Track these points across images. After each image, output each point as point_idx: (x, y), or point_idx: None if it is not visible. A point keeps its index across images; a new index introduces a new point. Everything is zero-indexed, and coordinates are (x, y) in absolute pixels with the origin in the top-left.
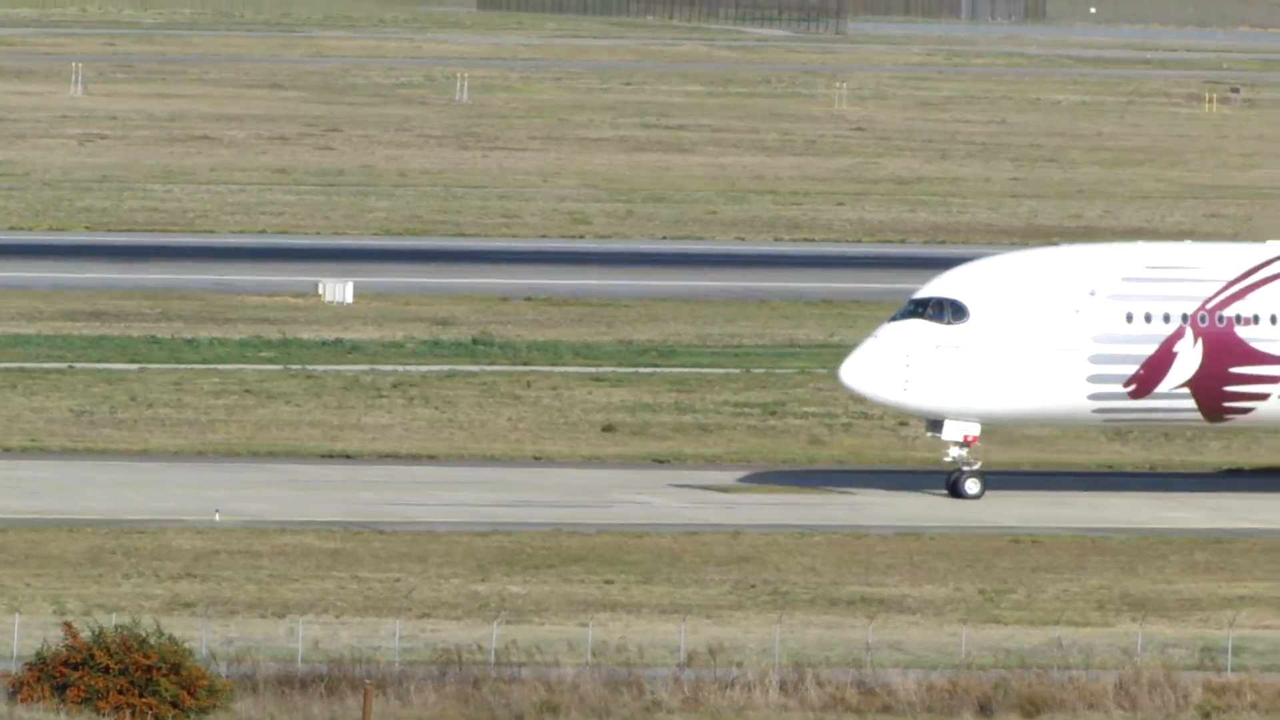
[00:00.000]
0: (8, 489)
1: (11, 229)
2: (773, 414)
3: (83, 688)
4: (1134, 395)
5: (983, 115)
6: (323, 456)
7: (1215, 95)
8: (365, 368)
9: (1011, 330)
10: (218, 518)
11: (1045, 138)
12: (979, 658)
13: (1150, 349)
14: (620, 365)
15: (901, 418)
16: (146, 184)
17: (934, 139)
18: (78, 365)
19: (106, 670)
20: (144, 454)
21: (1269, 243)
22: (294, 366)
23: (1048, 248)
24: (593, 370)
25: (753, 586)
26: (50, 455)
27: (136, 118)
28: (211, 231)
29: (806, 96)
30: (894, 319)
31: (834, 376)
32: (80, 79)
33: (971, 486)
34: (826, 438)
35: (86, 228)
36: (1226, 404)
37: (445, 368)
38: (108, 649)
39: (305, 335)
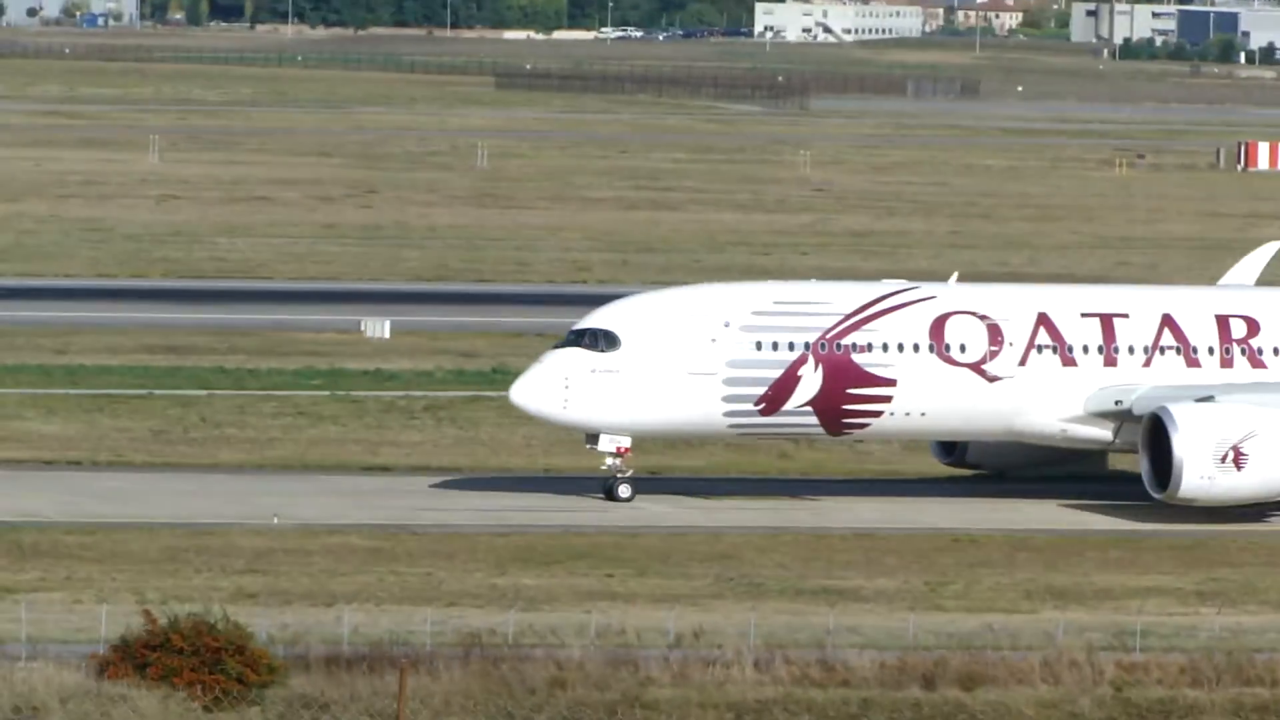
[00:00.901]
0: (96, 497)
1: (99, 275)
2: None
3: (160, 666)
4: (764, 413)
5: (925, 178)
6: (364, 469)
7: (1124, 160)
8: (400, 393)
9: (657, 357)
10: (275, 521)
11: (979, 197)
12: (924, 640)
13: (777, 373)
14: None
15: (570, 433)
16: (213, 238)
17: (884, 199)
18: (156, 392)
19: (180, 651)
20: (213, 467)
21: (883, 281)
22: (340, 392)
23: (690, 286)
24: None
25: (731, 579)
26: (132, 468)
27: (205, 181)
28: (269, 278)
29: (775, 162)
30: (556, 347)
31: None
32: (157, 148)
33: (624, 490)
34: (793, 453)
35: (163, 274)
36: (845, 420)
37: (469, 393)
38: (182, 633)
39: (349, 366)
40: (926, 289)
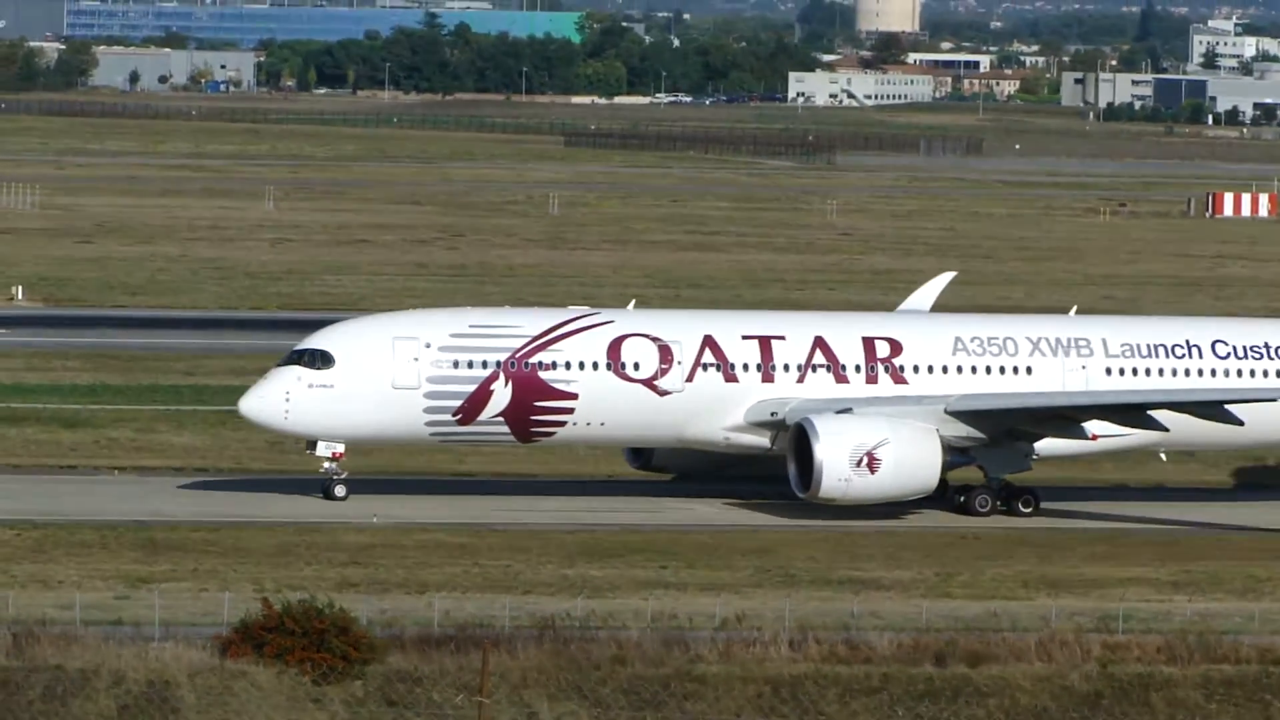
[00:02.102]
0: (220, 500)
1: (222, 307)
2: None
3: (275, 646)
4: (461, 422)
5: (936, 224)
6: (453, 475)
7: (1107, 209)
8: None
9: (366, 373)
10: (374, 520)
11: (982, 240)
12: (935, 623)
13: (471, 388)
14: None
15: (290, 440)
16: (321, 275)
17: (900, 241)
18: None
19: (293, 633)
20: (319, 474)
21: (569, 308)
22: None
23: (397, 313)
24: None
25: (768, 571)
26: (252, 474)
27: (313, 226)
28: (369, 310)
29: (806, 210)
30: (280, 365)
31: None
32: (272, 198)
33: (339, 490)
34: None
35: (278, 307)
36: (533, 429)
37: None
38: (294, 617)
39: None
40: (606, 314)
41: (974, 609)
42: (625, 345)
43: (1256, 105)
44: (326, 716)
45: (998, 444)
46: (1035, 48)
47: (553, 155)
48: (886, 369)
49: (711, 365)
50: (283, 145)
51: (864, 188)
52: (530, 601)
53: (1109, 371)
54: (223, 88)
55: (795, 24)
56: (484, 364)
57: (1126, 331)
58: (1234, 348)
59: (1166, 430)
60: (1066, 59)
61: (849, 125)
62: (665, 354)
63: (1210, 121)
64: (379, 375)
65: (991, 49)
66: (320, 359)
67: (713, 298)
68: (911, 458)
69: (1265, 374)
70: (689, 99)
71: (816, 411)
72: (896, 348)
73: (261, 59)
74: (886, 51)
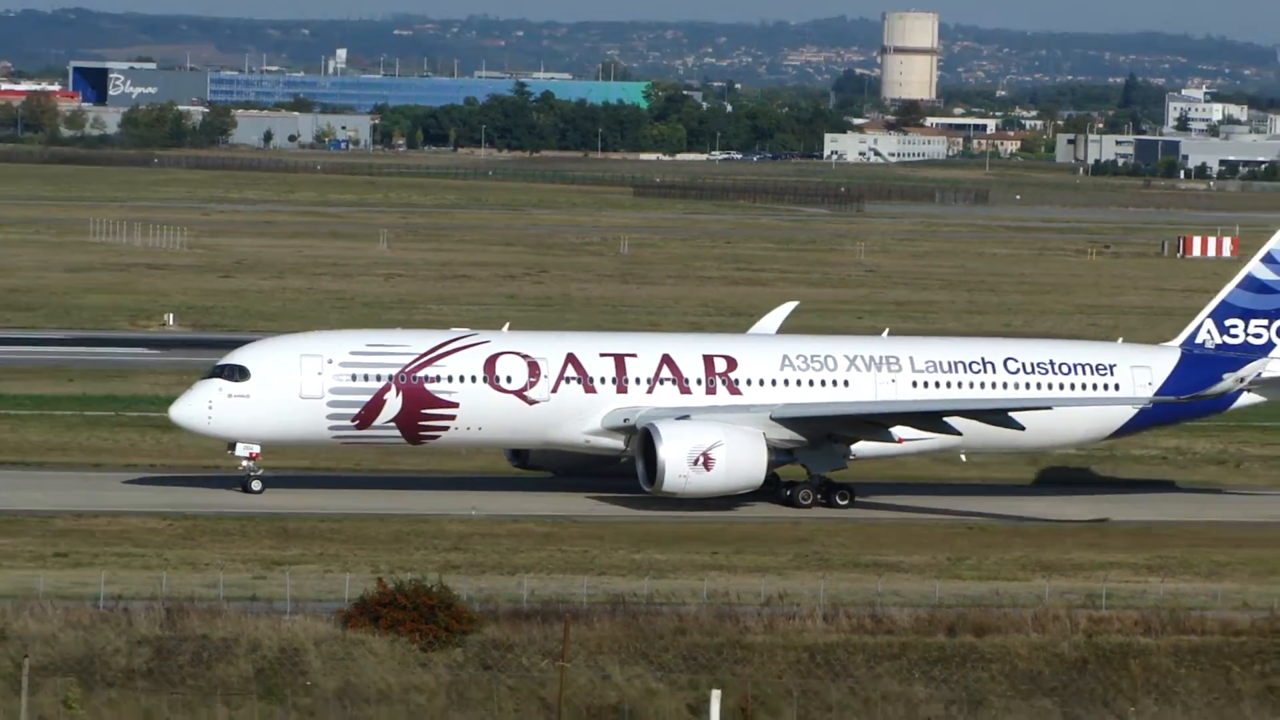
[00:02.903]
0: (340, 496)
1: None
2: None
3: (389, 618)
4: (359, 427)
5: (949, 263)
6: (537, 475)
7: (1094, 249)
8: None
9: (278, 385)
10: (473, 513)
11: (988, 276)
12: (947, 600)
13: (367, 398)
14: None
15: (220, 442)
16: (427, 305)
17: (919, 277)
18: None
19: (404, 607)
20: (429, 472)
21: (451, 329)
22: None
23: (305, 333)
24: None
25: (806, 556)
26: (366, 474)
27: (421, 263)
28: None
29: (838, 250)
30: (204, 377)
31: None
32: (385, 239)
33: (256, 485)
34: (854, 465)
35: None
36: (421, 433)
37: None
38: (405, 594)
39: None
40: (483, 335)
41: (980, 588)
42: (499, 361)
43: (1222, 162)
44: (432, 678)
45: (818, 446)
46: (1034, 113)
47: (624, 204)
48: (724, 382)
49: (573, 379)
50: (395, 195)
51: (887, 231)
52: (604, 581)
53: (915, 384)
54: (343, 146)
55: (830, 93)
56: (378, 377)
57: (931, 350)
58: (1023, 364)
59: (960, 435)
60: (1060, 122)
61: (875, 179)
62: (534, 369)
63: (1182, 176)
64: (288, 387)
65: (997, 114)
66: (238, 373)
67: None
68: (741, 457)
69: (1050, 387)
70: (740, 156)
71: (660, 418)
72: (733, 364)
73: (376, 121)
74: (907, 116)
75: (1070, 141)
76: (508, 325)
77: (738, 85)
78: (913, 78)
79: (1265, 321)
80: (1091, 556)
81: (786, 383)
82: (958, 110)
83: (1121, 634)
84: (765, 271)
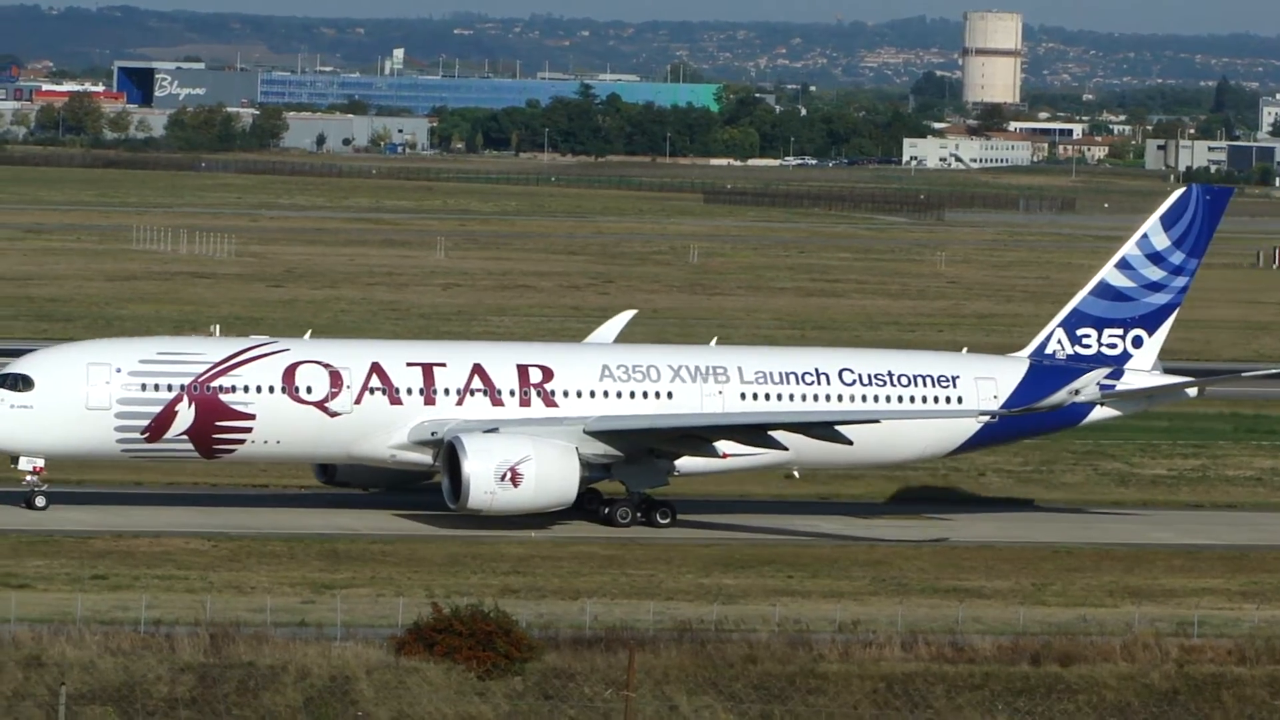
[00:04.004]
0: (393, 518)
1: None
2: (897, 468)
3: (445, 645)
4: (149, 440)
5: (1033, 273)
6: (890, 499)
7: None
8: None
9: (64, 395)
10: (532, 534)
11: (1073, 288)
12: (1031, 627)
13: (158, 409)
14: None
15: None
16: (486, 316)
17: (1001, 289)
18: None
19: (460, 634)
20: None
21: (250, 336)
22: None
23: (92, 340)
24: None
25: (883, 580)
26: (426, 491)
27: (479, 273)
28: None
29: (918, 260)
30: None
31: None
32: (443, 247)
33: (40, 501)
34: (932, 484)
35: None
36: (215, 446)
37: None
38: (461, 620)
39: None
40: (283, 343)
41: (1065, 615)
42: (299, 371)
43: None
44: (490, 708)
45: (636, 461)
46: (1123, 117)
47: (693, 211)
48: (539, 393)
49: (378, 389)
50: (453, 201)
51: (969, 241)
52: (671, 607)
53: (743, 396)
54: (400, 150)
55: (909, 96)
56: (169, 387)
57: (761, 361)
58: (859, 375)
59: (786, 449)
60: (1150, 128)
61: (956, 185)
62: (336, 379)
63: (1278, 183)
64: (74, 397)
65: (1084, 118)
66: (21, 382)
67: (834, 338)
68: (551, 473)
69: (887, 399)
70: (814, 161)
71: (466, 431)
72: (548, 374)
73: (434, 124)
74: (990, 120)
75: (1160, 147)
76: (309, 333)
77: (812, 88)
78: (995, 80)
79: (1120, 331)
80: (1183, 582)
81: (606, 394)
82: (1043, 114)
83: (1214, 663)
84: (841, 282)
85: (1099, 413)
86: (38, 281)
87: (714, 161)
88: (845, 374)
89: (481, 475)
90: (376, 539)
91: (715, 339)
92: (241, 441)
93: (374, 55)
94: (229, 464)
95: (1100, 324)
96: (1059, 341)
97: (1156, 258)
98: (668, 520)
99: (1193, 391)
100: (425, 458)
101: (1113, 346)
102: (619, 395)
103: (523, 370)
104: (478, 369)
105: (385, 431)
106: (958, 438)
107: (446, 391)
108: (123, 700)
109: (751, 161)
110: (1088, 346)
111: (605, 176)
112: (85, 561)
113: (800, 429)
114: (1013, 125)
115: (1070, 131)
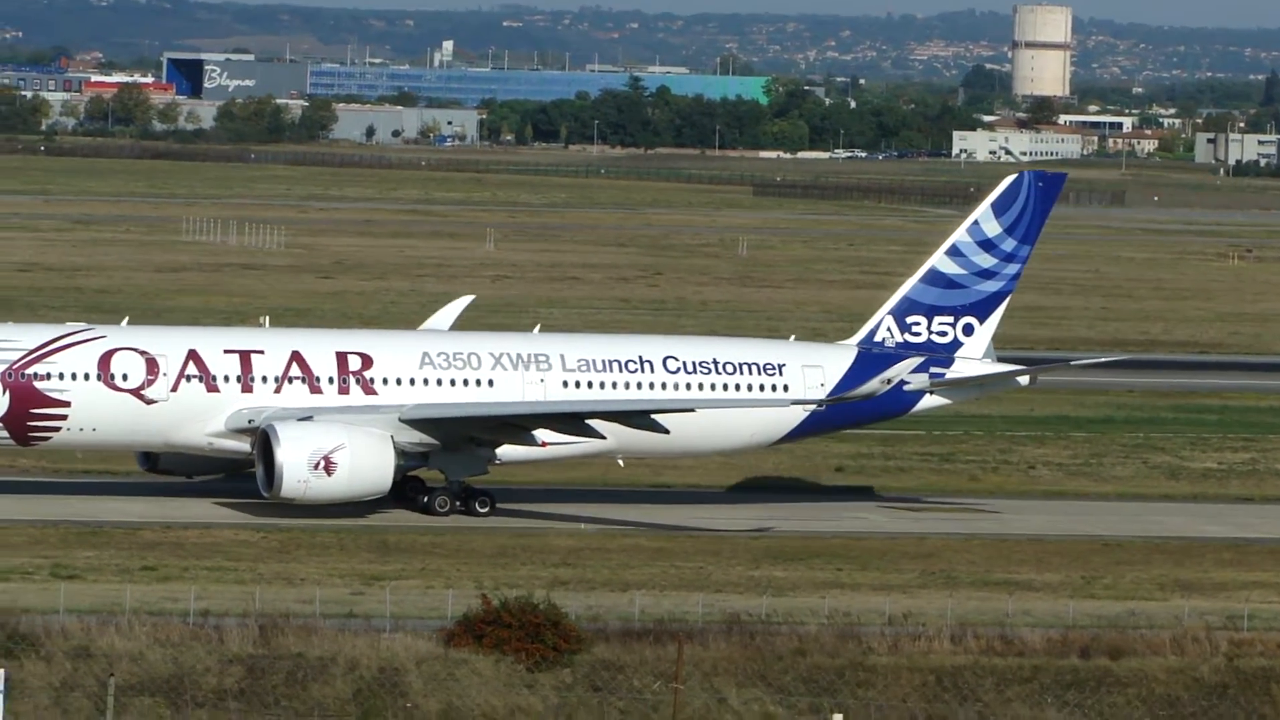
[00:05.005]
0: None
1: None
2: (946, 460)
3: (493, 637)
4: None
5: (1083, 267)
6: (650, 487)
7: (1235, 254)
8: None
9: None
10: (583, 527)
11: (1123, 281)
12: (1081, 621)
13: None
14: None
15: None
16: (536, 308)
17: (1051, 282)
18: None
19: (509, 626)
20: (535, 484)
21: (66, 324)
22: None
23: None
24: None
25: (933, 573)
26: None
27: (529, 265)
28: None
29: None
30: None
31: (987, 437)
32: (492, 239)
33: None
34: (981, 476)
35: None
36: (31, 434)
37: None
38: (510, 612)
39: None
40: (99, 330)
41: (1115, 608)
42: (115, 358)
43: None
44: (539, 700)
45: (454, 450)
46: (1172, 111)
47: (742, 203)
48: (358, 381)
49: (195, 377)
50: (502, 193)
51: None
52: (720, 599)
53: (565, 384)
54: (449, 142)
55: (959, 89)
56: None
57: (584, 348)
58: (684, 363)
59: (604, 438)
60: (1200, 121)
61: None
62: (152, 366)
63: None
64: None
65: (1133, 111)
66: None
67: None
68: (366, 461)
69: (713, 387)
70: (864, 154)
71: (281, 418)
72: (368, 361)
73: (484, 116)
74: (1040, 113)
75: (1210, 141)
76: (126, 319)
77: (862, 80)
78: (1045, 73)
79: (950, 319)
80: (1233, 575)
81: (425, 382)
82: (1092, 107)
83: (1265, 657)
84: (891, 275)
85: (928, 401)
86: (86, 273)
87: (763, 154)
88: (669, 362)
89: (295, 464)
90: (426, 531)
91: (539, 326)
92: (57, 429)
93: (423, 47)
94: (46, 452)
95: (931, 311)
96: (888, 329)
97: (988, 245)
98: (486, 509)
99: (1024, 380)
100: (243, 446)
101: (943, 334)
102: (439, 383)
103: (341, 357)
104: (296, 356)
105: (202, 419)
106: (784, 426)
107: (264, 379)
108: (171, 691)
109: (801, 154)
110: (918, 334)
111: (654, 169)
112: (135, 553)
113: (616, 417)
114: (1062, 118)
115: (1120, 125)
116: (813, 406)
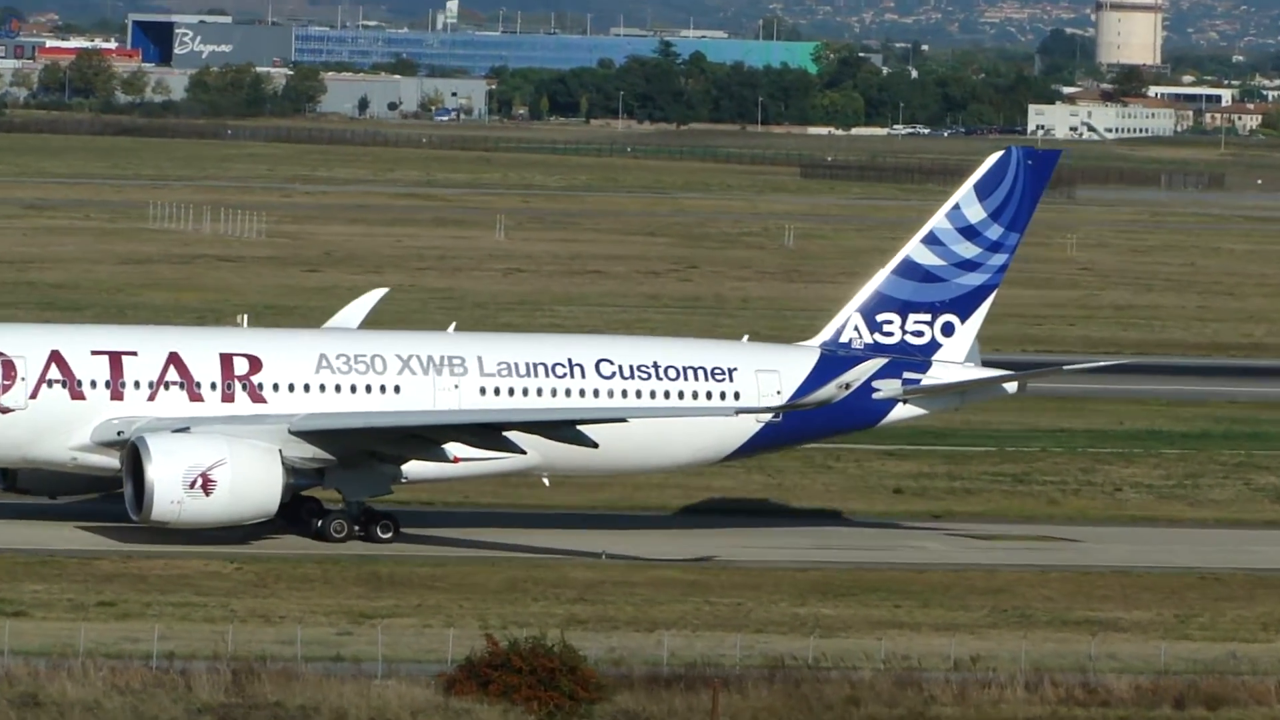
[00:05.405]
0: (451, 535)
1: None
2: (1020, 482)
3: (501, 684)
4: None
5: (1178, 259)
6: (679, 511)
7: None
8: None
9: None
10: (603, 556)
11: (1223, 276)
12: (1174, 665)
13: None
14: (907, 444)
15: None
16: (553, 305)
17: (1141, 277)
18: None
19: (519, 671)
20: (547, 507)
21: None
22: None
23: None
24: (886, 448)
25: (1004, 611)
26: (471, 509)
27: (545, 256)
28: None
29: (1045, 244)
30: None
31: (1067, 454)
32: (503, 227)
33: None
34: (1060, 500)
35: None
36: None
37: None
38: (520, 655)
39: None
40: None
41: (1213, 651)
42: None
43: None
44: None
45: (354, 465)
46: (1278, 82)
47: (788, 187)
48: (244, 387)
49: (58, 382)
50: (514, 174)
51: (1103, 222)
52: (761, 640)
53: (484, 391)
54: (453, 116)
55: (1035, 56)
56: None
57: (505, 349)
58: (620, 367)
59: (524, 452)
60: None
61: (1088, 158)
62: (8, 369)
63: None
64: None
65: (1234, 82)
66: None
67: None
68: (249, 479)
69: (653, 394)
70: (927, 131)
71: (153, 430)
72: (256, 365)
73: (493, 86)
74: (1127, 84)
75: None
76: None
77: (924, 47)
78: (1133, 39)
79: (927, 316)
80: None
81: (323, 388)
82: (1187, 78)
83: None
84: None
85: (901, 411)
86: (40, 265)
87: (812, 130)
88: (603, 365)
89: (167, 482)
90: (424, 561)
91: (454, 324)
92: None
93: (424, 8)
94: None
95: (905, 308)
96: (856, 329)
97: (970, 232)
98: (389, 534)
99: (1011, 387)
100: (111, 461)
101: (919, 334)
102: (337, 389)
103: (226, 360)
104: (174, 358)
105: (65, 431)
106: (735, 439)
107: (137, 384)
108: None
109: (855, 130)
110: (890, 334)
111: (688, 147)
112: (90, 586)
113: (537, 429)
114: (1153, 90)
115: (1218, 98)
116: (767, 416)
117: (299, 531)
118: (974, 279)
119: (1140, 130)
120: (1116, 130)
